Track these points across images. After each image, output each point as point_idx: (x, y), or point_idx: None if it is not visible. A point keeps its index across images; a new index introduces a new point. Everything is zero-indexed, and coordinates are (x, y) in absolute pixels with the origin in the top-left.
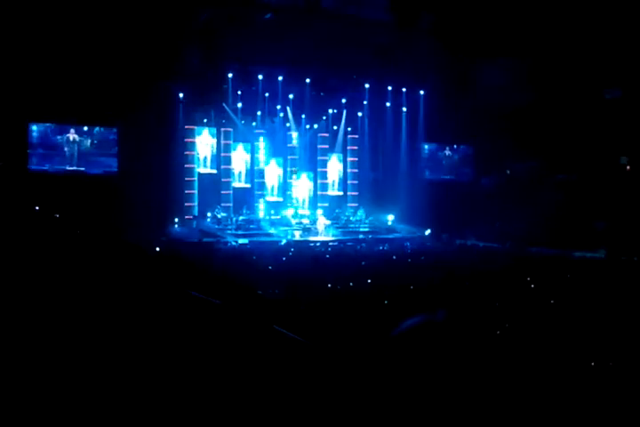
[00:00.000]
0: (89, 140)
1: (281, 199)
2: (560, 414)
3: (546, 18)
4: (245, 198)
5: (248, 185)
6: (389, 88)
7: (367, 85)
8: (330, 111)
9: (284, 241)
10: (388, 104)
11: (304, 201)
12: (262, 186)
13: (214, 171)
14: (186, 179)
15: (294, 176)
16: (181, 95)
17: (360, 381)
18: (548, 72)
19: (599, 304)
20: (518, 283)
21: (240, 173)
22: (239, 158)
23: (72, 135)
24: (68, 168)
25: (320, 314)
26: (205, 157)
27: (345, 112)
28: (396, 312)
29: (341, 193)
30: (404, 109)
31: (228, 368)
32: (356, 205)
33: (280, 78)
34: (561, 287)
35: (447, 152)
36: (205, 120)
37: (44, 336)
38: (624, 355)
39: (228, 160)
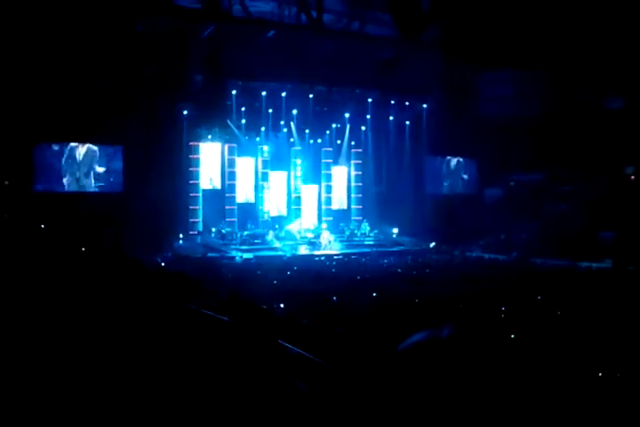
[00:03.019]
0: (94, 159)
1: (285, 214)
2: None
3: (550, 30)
4: (250, 213)
5: (252, 200)
6: (392, 102)
7: (370, 99)
8: (333, 126)
9: (288, 255)
10: (391, 118)
11: (308, 215)
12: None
13: (218, 186)
14: (190, 195)
15: (294, 195)
16: (185, 112)
17: (365, 396)
18: (551, 84)
19: (606, 315)
20: (524, 294)
21: (244, 188)
22: (243, 174)
23: (77, 154)
24: (74, 187)
25: (324, 328)
26: (209, 173)
27: (348, 126)
28: (401, 326)
29: (345, 207)
30: (408, 123)
31: (233, 383)
32: (361, 218)
33: (283, 94)
34: (567, 298)
35: (451, 165)
36: (210, 136)
37: (49, 353)
38: (631, 366)
39: (232, 176)
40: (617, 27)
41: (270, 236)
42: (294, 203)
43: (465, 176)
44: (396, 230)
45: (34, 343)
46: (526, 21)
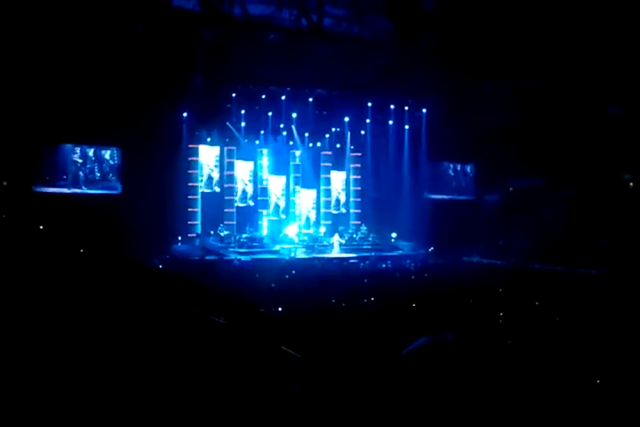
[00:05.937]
0: (93, 160)
1: (284, 217)
2: None
3: (548, 36)
4: (248, 216)
5: (251, 203)
6: (392, 107)
7: (370, 104)
8: (333, 129)
9: (286, 258)
10: (390, 122)
11: (307, 219)
12: (265, 204)
13: (217, 189)
14: (189, 197)
15: (297, 194)
16: (185, 114)
17: (366, 402)
18: (550, 89)
19: (604, 321)
20: (522, 300)
21: (244, 191)
22: (243, 177)
23: (76, 155)
24: (72, 188)
25: (324, 332)
26: (209, 176)
27: (348, 130)
28: (400, 330)
29: (344, 211)
30: (407, 128)
31: (229, 384)
32: (359, 222)
33: (283, 97)
34: (565, 304)
35: (450, 169)
36: (209, 139)
37: (47, 352)
38: (629, 372)
39: (231, 178)
40: (615, 34)
41: (269, 239)
42: (292, 206)
43: (464, 181)
44: (394, 235)
45: (32, 343)
46: (525, 29)
